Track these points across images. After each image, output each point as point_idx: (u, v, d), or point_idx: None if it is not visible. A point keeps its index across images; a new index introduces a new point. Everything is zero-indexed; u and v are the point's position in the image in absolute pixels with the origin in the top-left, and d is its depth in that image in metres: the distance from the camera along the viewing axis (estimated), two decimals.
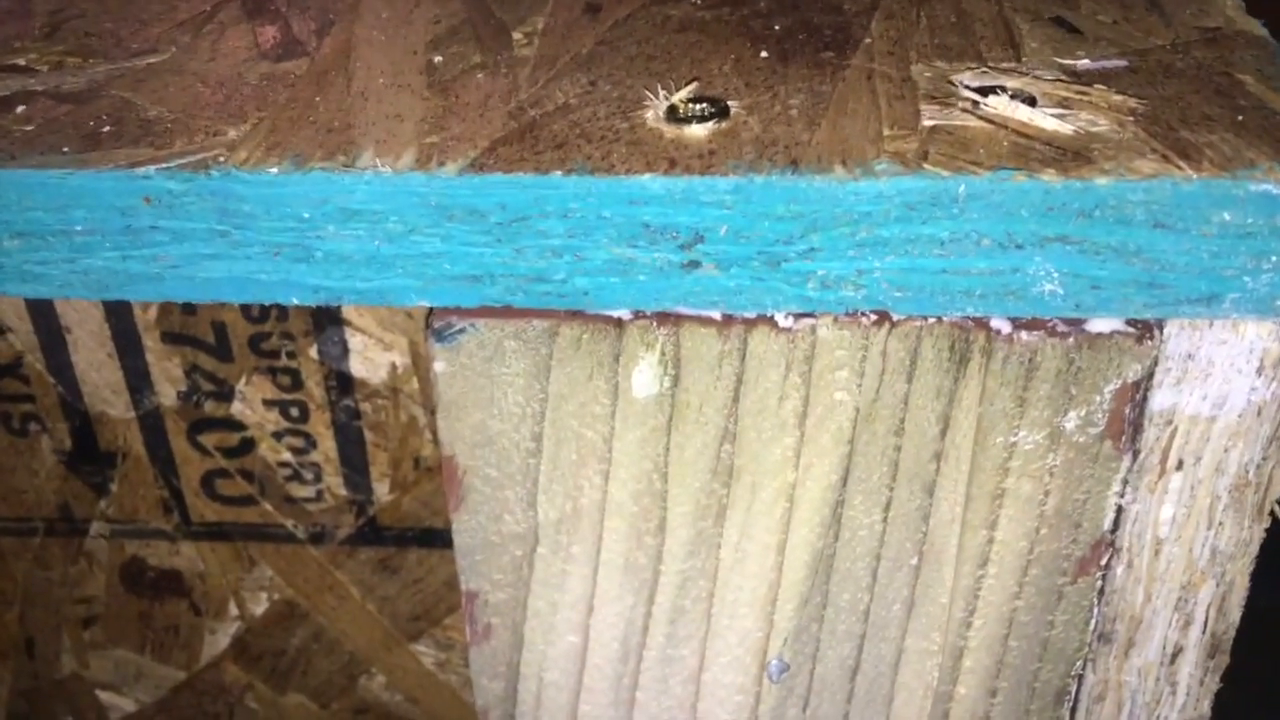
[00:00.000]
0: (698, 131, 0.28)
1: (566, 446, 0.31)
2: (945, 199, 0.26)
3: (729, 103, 0.29)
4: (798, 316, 0.29)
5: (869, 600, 0.33)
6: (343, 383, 0.38)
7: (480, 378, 0.30)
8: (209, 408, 0.39)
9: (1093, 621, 0.32)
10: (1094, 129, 0.27)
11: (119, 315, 0.37)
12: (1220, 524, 0.31)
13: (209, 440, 0.39)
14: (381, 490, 0.40)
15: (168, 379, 0.38)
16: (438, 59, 0.32)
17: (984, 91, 0.29)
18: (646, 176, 0.27)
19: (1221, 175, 0.26)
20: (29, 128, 0.29)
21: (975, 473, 0.31)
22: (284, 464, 0.40)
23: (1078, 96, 0.29)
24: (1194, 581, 0.32)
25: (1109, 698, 0.34)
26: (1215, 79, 0.29)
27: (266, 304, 0.33)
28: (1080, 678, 0.34)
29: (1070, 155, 0.27)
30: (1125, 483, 0.30)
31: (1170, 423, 0.29)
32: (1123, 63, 0.30)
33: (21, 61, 0.32)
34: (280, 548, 0.42)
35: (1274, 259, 0.26)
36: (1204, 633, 0.32)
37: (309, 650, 0.45)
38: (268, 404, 0.38)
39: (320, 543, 0.42)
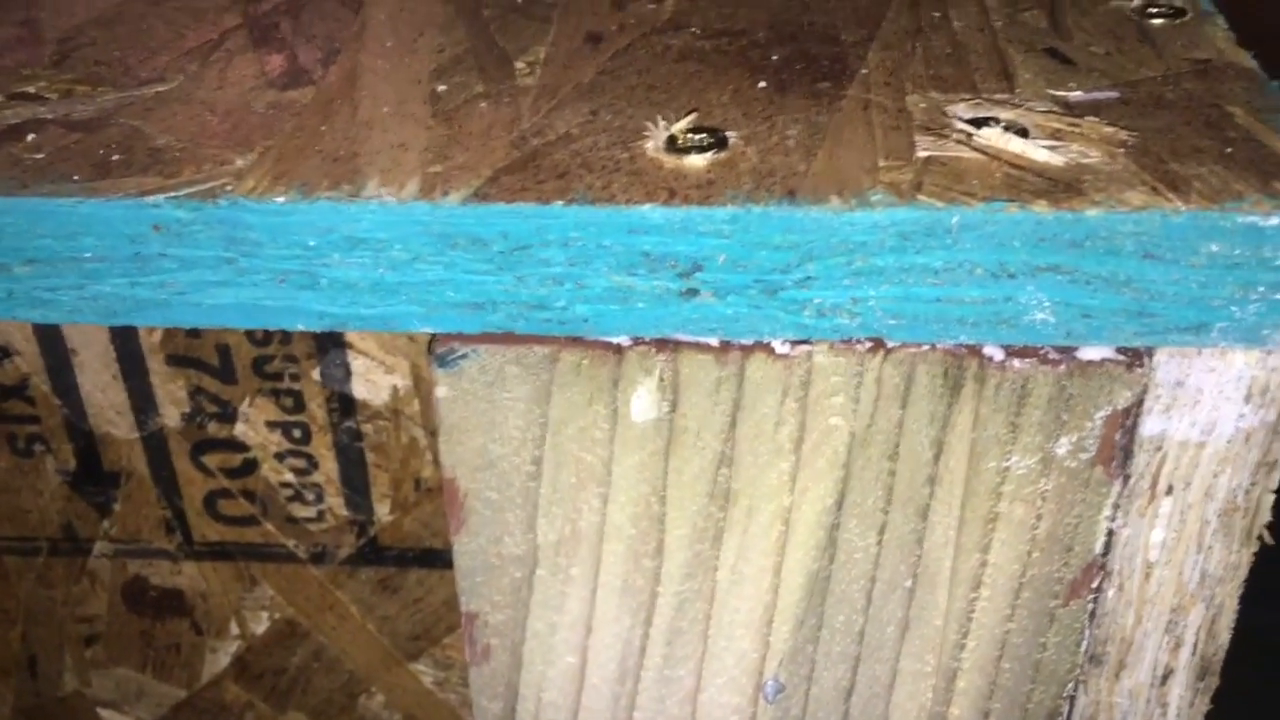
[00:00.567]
0: (696, 161, 0.29)
1: (566, 470, 0.32)
2: (939, 229, 0.27)
3: (727, 133, 0.30)
4: (794, 343, 0.30)
5: (864, 622, 0.34)
6: (345, 405, 0.38)
7: (481, 402, 0.31)
8: (212, 429, 0.39)
9: (1084, 643, 0.33)
10: (1085, 160, 0.28)
11: (124, 338, 0.37)
12: (1210, 548, 0.31)
13: (212, 461, 0.40)
14: (382, 511, 0.40)
15: (172, 401, 0.39)
16: (441, 88, 0.32)
17: (977, 123, 0.29)
18: (646, 206, 0.27)
19: (1209, 207, 0.26)
20: (39, 156, 0.30)
21: (968, 497, 0.31)
22: (286, 484, 0.40)
23: (1069, 128, 0.29)
24: (1184, 604, 0.32)
25: (1100, 719, 0.34)
26: (1205, 111, 0.30)
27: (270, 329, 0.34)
28: (1072, 699, 0.34)
29: (1062, 187, 0.27)
30: (1116, 507, 0.31)
31: (1160, 449, 0.30)
32: (1114, 94, 0.31)
33: (31, 89, 0.33)
34: (281, 567, 0.43)
35: (1261, 289, 0.27)
36: (1194, 655, 0.33)
37: (309, 669, 0.45)
38: (270, 425, 0.39)
39: (321, 562, 0.42)
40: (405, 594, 0.42)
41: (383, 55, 0.34)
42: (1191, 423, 0.29)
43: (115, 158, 0.29)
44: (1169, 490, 0.30)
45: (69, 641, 0.44)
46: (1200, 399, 0.29)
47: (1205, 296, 0.27)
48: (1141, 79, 0.31)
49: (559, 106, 0.31)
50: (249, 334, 0.37)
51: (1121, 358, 0.29)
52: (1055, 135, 0.29)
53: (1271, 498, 0.30)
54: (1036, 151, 0.28)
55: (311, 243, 0.28)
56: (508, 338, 0.30)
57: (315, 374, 0.38)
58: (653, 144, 0.29)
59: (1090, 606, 0.32)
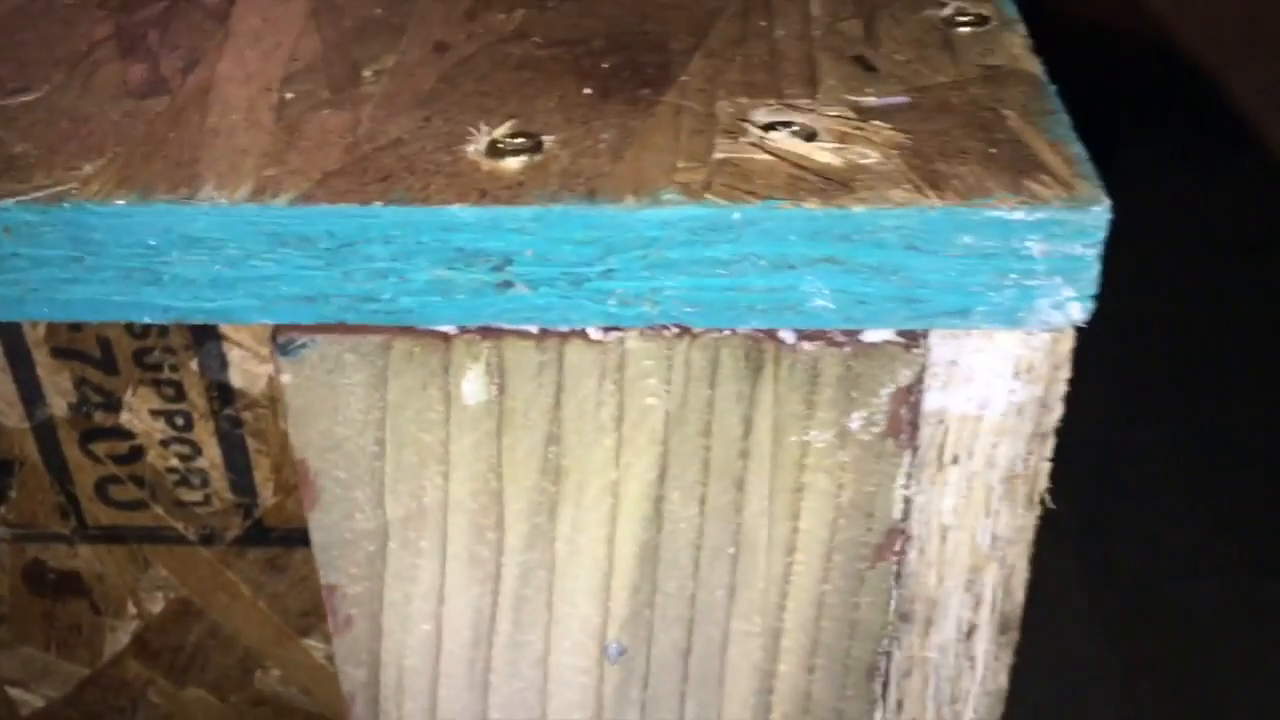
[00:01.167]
0: (511, 164, 0.31)
1: (407, 450, 0.34)
2: (723, 225, 0.29)
3: (544, 137, 0.32)
4: (607, 330, 0.32)
5: (694, 587, 0.36)
6: (224, 393, 0.40)
7: (324, 388, 0.33)
8: (99, 418, 0.41)
9: (893, 602, 0.36)
10: (862, 161, 0.31)
11: (9, 332, 0.39)
12: (997, 512, 0.34)
13: (100, 449, 0.42)
14: (266, 493, 0.42)
15: (58, 391, 0.41)
16: (289, 95, 0.35)
17: (769, 127, 0.32)
18: (457, 206, 0.30)
19: (961, 204, 0.29)
20: None
21: (776, 469, 0.34)
22: (172, 470, 0.42)
23: (855, 131, 0.32)
24: (979, 565, 0.35)
25: (915, 672, 0.37)
26: (981, 114, 0.33)
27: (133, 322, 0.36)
28: (888, 655, 0.37)
29: (836, 185, 0.30)
30: (909, 476, 0.33)
31: (942, 422, 0.33)
32: (906, 100, 0.33)
33: None
34: (173, 549, 0.45)
35: (1013, 276, 0.30)
36: (993, 611, 0.36)
37: (206, 646, 0.47)
38: (154, 414, 0.41)
39: (210, 544, 0.44)
40: (293, 572, 0.44)
41: (240, 64, 0.36)
42: (968, 398, 0.32)
43: None
44: (955, 460, 0.33)
45: None
46: (973, 376, 0.32)
47: (965, 283, 0.30)
48: (933, 84, 0.34)
49: (395, 113, 0.34)
50: (128, 327, 0.39)
51: (900, 339, 0.32)
52: (841, 138, 0.32)
53: (1048, 465, 0.33)
54: (819, 153, 0.31)
55: (152, 242, 0.30)
56: (343, 328, 0.32)
57: (194, 365, 0.40)
58: (473, 148, 0.32)
59: (895, 568, 0.35)
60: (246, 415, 0.41)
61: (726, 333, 0.32)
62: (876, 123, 0.32)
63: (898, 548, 0.35)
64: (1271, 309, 1.51)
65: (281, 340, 0.33)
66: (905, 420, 0.32)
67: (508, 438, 0.34)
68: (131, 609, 0.46)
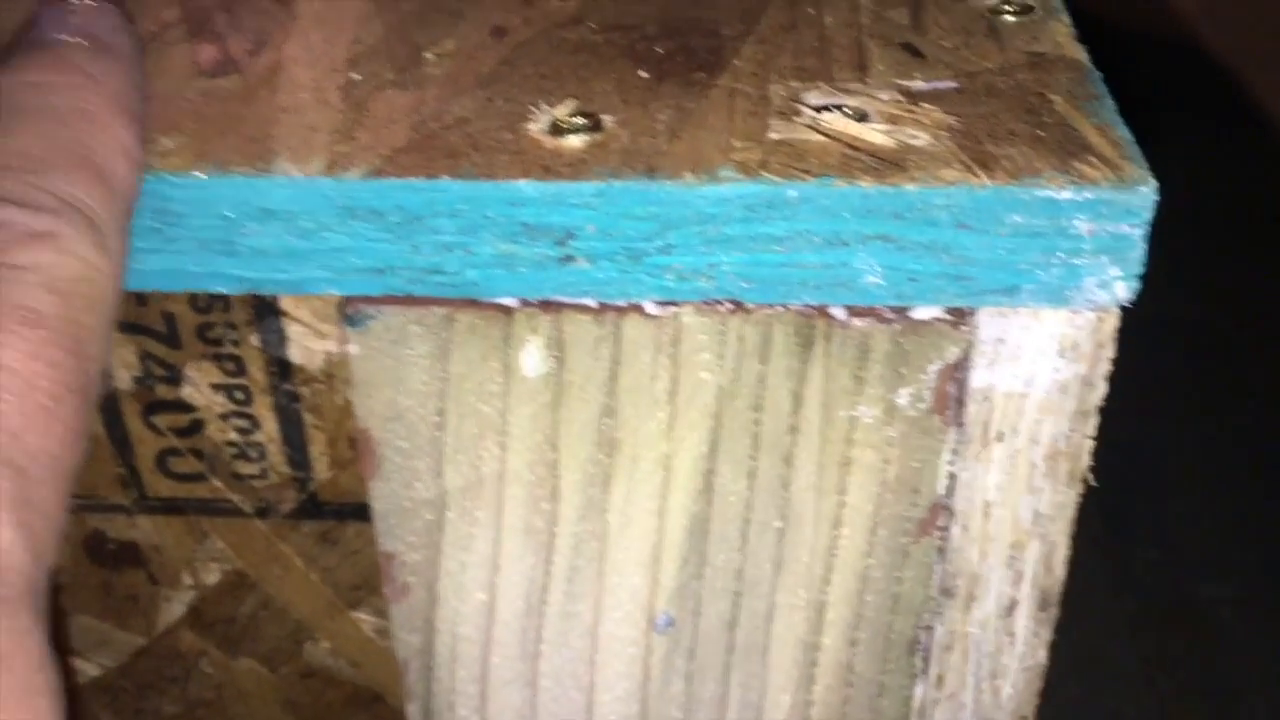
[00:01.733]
0: (573, 142, 0.32)
1: (467, 421, 0.35)
2: (779, 202, 0.31)
3: (603, 117, 0.33)
4: (663, 304, 0.33)
5: (741, 560, 0.37)
6: (283, 369, 0.42)
7: (388, 359, 0.35)
8: (161, 391, 0.43)
9: (936, 577, 0.36)
10: (913, 142, 0.32)
11: None
12: (1040, 489, 0.35)
13: (162, 421, 0.43)
14: (320, 468, 0.44)
15: (123, 364, 0.42)
16: (355, 76, 0.36)
17: (822, 109, 0.33)
18: (522, 181, 0.31)
19: (1011, 183, 0.30)
20: None
21: (824, 444, 0.35)
22: (231, 443, 0.44)
23: (905, 114, 0.33)
24: (1021, 541, 0.36)
25: (956, 647, 0.38)
26: (1029, 99, 0.34)
27: (216, 295, 0.37)
28: (930, 629, 0.38)
29: (888, 165, 0.31)
30: (954, 452, 0.34)
31: (988, 399, 0.34)
32: (954, 84, 0.34)
33: None
34: (230, 521, 0.46)
35: (1061, 255, 0.30)
36: (1033, 587, 0.37)
37: (258, 617, 0.48)
38: (214, 388, 0.42)
39: (266, 517, 0.45)
40: (344, 545, 0.46)
41: (306, 47, 0.38)
42: (1014, 375, 0.33)
43: None
44: (999, 437, 0.34)
45: None
46: (1020, 354, 0.33)
47: (1013, 262, 0.31)
48: (980, 70, 0.35)
49: (458, 94, 0.35)
50: (192, 302, 0.40)
51: (948, 317, 0.32)
52: (892, 120, 0.33)
53: (1091, 443, 0.34)
54: (871, 134, 0.32)
55: (229, 214, 0.32)
56: (409, 300, 0.34)
57: (254, 340, 0.41)
58: (535, 127, 0.33)
59: (939, 543, 0.36)
60: (304, 390, 0.42)
61: (779, 309, 0.33)
62: (926, 106, 0.33)
63: (941, 523, 0.36)
64: None
65: (349, 311, 0.34)
66: (952, 397, 0.33)
67: (564, 410, 0.35)
68: (187, 580, 0.47)
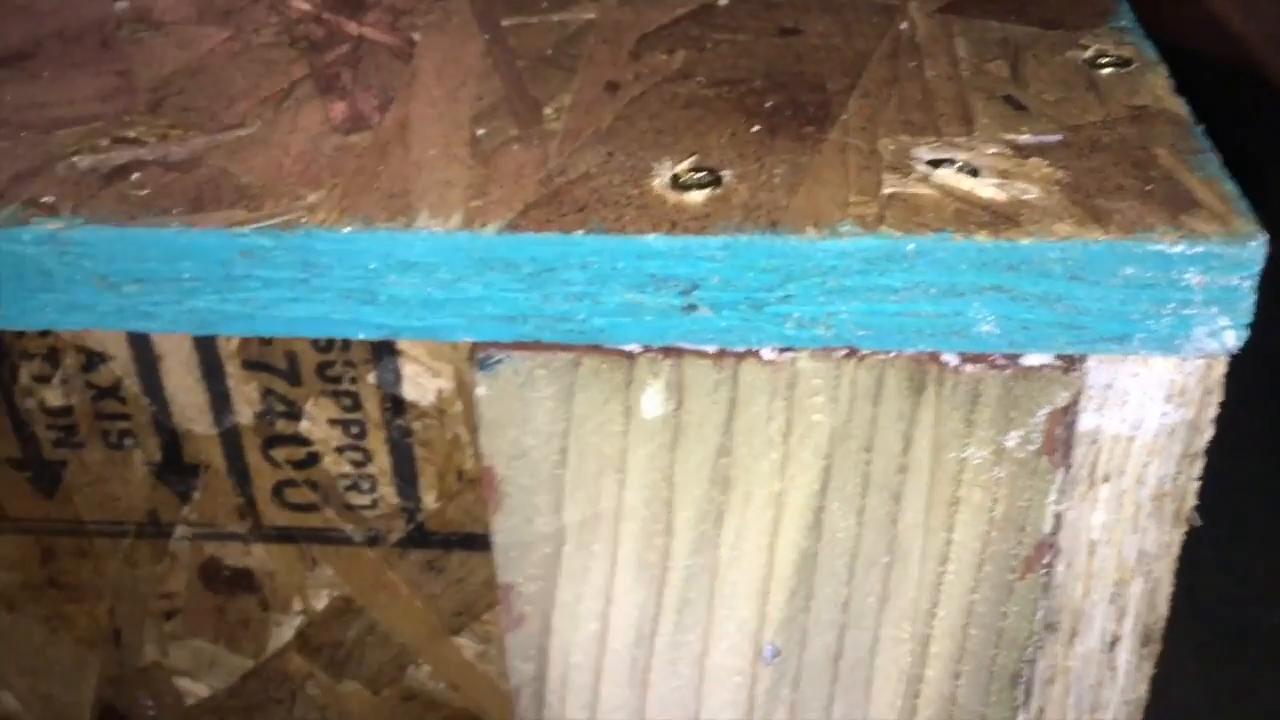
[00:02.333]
0: (695, 197, 0.34)
1: (588, 459, 0.37)
2: (897, 255, 0.32)
3: (722, 172, 0.35)
4: (780, 351, 0.35)
5: (848, 594, 0.39)
6: (396, 405, 0.43)
7: (515, 400, 0.36)
8: (280, 426, 0.44)
9: (1040, 613, 0.38)
10: (1025, 197, 0.33)
11: (205, 345, 0.42)
12: (1145, 529, 0.36)
13: (280, 454, 0.45)
14: (429, 499, 0.45)
15: (246, 400, 0.44)
16: (481, 132, 0.38)
17: (935, 164, 0.34)
18: (652, 235, 0.32)
19: (1124, 237, 0.31)
20: (144, 192, 0.35)
21: (933, 483, 0.36)
22: (344, 475, 0.45)
23: (1015, 168, 0.34)
24: (1125, 579, 0.37)
25: (1058, 681, 0.39)
26: (1134, 152, 0.35)
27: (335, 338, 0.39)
28: (1032, 663, 0.39)
29: (1002, 219, 0.32)
30: (1061, 492, 0.35)
31: (1095, 442, 0.35)
32: (1059, 137, 0.36)
33: (132, 134, 0.39)
34: (340, 549, 0.47)
35: (1172, 305, 0.32)
36: (1136, 623, 0.38)
37: (364, 642, 0.50)
38: (331, 422, 0.44)
39: (375, 545, 0.47)
40: (449, 574, 0.47)
41: (430, 103, 0.40)
42: (1121, 419, 0.34)
43: (207, 194, 0.35)
44: (1106, 478, 0.35)
45: (151, 616, 0.49)
46: (1128, 399, 0.34)
47: (1126, 312, 0.32)
48: (1084, 124, 0.36)
49: (580, 148, 0.37)
50: (314, 342, 0.42)
51: (1059, 363, 0.34)
52: (1002, 174, 0.34)
53: (1196, 484, 0.35)
54: (984, 189, 0.33)
55: (372, 265, 0.33)
56: (537, 345, 0.35)
57: (371, 378, 0.43)
58: (659, 181, 0.35)
59: (1044, 580, 0.37)
60: (416, 425, 0.44)
61: (892, 354, 0.34)
62: (1035, 160, 0.34)
63: (1046, 560, 0.37)
64: None
65: (480, 356, 0.36)
66: (1060, 439, 0.34)
67: (681, 449, 0.36)
68: (297, 605, 0.49)
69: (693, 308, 0.33)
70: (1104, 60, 0.39)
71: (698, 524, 0.38)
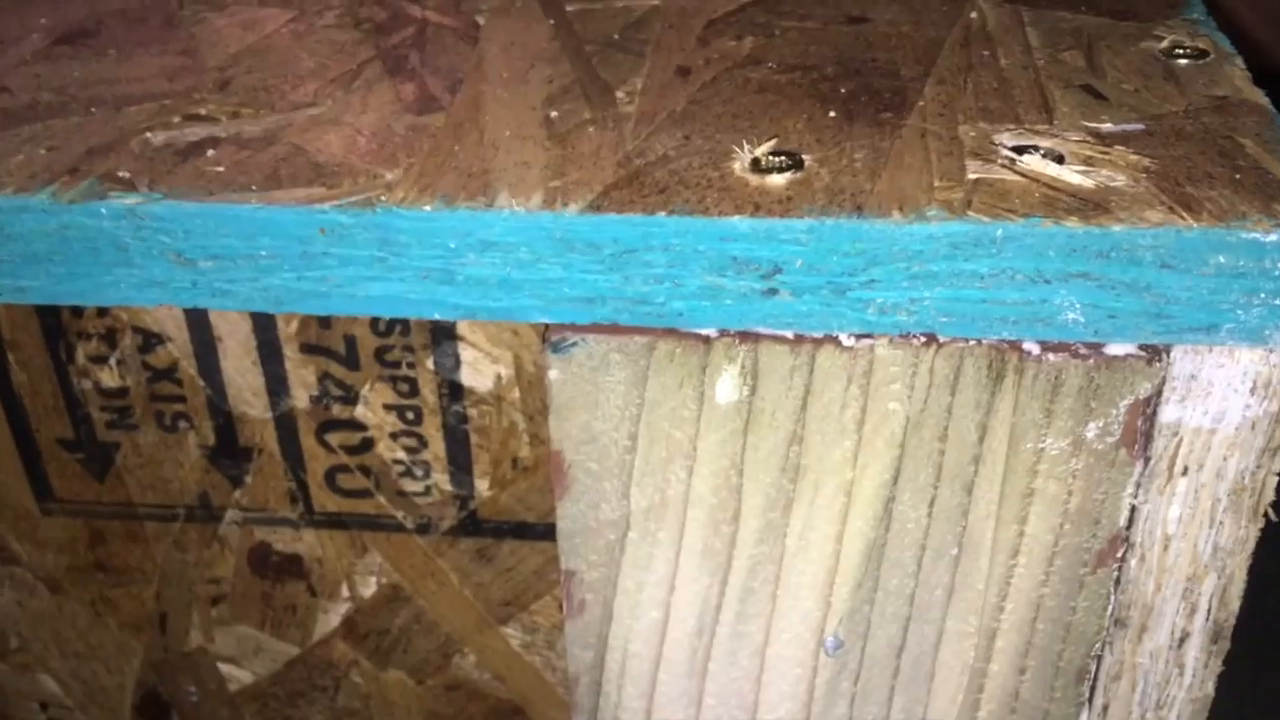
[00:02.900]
0: (777, 180, 0.34)
1: (658, 445, 0.37)
2: (985, 240, 0.32)
3: (803, 156, 0.35)
4: (858, 337, 0.34)
5: (914, 586, 0.38)
6: (454, 391, 0.43)
7: (587, 384, 0.36)
8: (336, 410, 0.44)
9: (1110, 608, 0.37)
10: (1112, 184, 0.33)
11: (264, 327, 0.42)
12: (1221, 523, 0.35)
13: (334, 439, 0.45)
14: (482, 487, 0.45)
15: (302, 385, 0.44)
16: (554, 114, 0.38)
17: (1020, 150, 0.34)
18: (735, 218, 0.32)
19: (1217, 225, 0.31)
20: (220, 169, 0.35)
21: (1008, 474, 0.36)
22: (398, 461, 0.45)
23: (1100, 155, 0.34)
24: (1198, 574, 0.36)
25: (1124, 677, 0.39)
26: (1219, 142, 0.34)
27: (397, 319, 0.39)
28: (1099, 659, 0.38)
29: (1091, 205, 0.32)
30: (1138, 485, 0.35)
31: (1176, 434, 0.34)
32: (1141, 126, 0.35)
33: (203, 111, 0.38)
34: (390, 536, 0.47)
35: (1263, 295, 0.31)
36: (1208, 620, 0.37)
37: (410, 630, 0.50)
38: (387, 408, 0.44)
39: (425, 533, 0.47)
40: (499, 563, 0.47)
41: (500, 85, 0.39)
42: (1204, 411, 0.34)
43: (284, 171, 0.35)
44: (1184, 471, 0.35)
45: (197, 601, 0.49)
46: (1211, 391, 0.33)
47: (1215, 301, 0.31)
48: (1165, 113, 0.36)
49: (656, 131, 0.36)
50: (373, 326, 0.42)
51: (1143, 353, 0.33)
52: (1087, 162, 0.34)
53: (1275, 480, 0.35)
54: (1070, 176, 0.33)
55: (452, 245, 0.33)
56: (612, 328, 0.35)
57: (429, 363, 0.43)
58: (739, 165, 0.34)
59: (1115, 574, 0.37)
60: (472, 412, 0.44)
61: (972, 343, 0.34)
62: (1119, 148, 0.34)
63: (1119, 554, 0.36)
64: None
65: (554, 339, 0.35)
66: (1140, 431, 0.34)
67: (753, 436, 0.36)
68: (345, 592, 0.49)
69: (773, 291, 0.33)
70: (1180, 51, 0.39)
71: (765, 512, 0.37)
